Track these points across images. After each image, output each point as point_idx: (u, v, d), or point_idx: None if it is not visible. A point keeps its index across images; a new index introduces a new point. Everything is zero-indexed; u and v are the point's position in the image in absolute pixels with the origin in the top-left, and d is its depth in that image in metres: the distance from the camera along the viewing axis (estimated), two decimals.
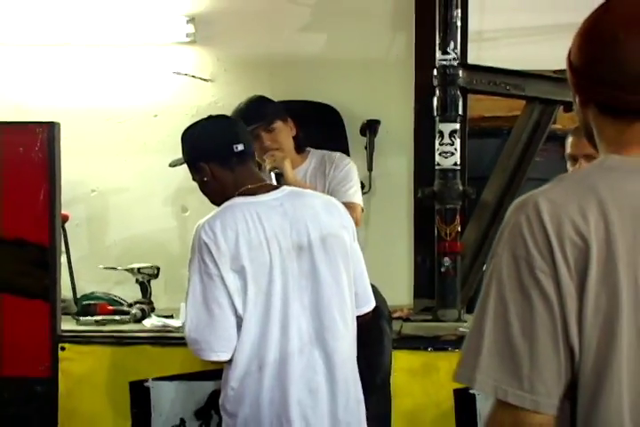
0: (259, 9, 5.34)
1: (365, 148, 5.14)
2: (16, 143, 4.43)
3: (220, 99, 5.35)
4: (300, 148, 4.53)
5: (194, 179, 3.52)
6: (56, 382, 4.38)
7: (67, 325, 4.59)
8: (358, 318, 3.50)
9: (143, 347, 4.35)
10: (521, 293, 1.72)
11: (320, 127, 4.96)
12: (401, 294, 5.02)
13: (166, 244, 5.40)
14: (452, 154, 4.66)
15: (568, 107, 4.83)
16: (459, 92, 4.69)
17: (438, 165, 4.69)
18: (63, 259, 4.77)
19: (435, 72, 4.70)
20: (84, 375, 4.40)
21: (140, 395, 4.34)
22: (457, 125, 4.68)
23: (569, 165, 3.69)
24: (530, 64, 4.99)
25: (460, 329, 4.32)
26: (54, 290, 4.45)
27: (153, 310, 4.80)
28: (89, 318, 4.69)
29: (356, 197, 4.40)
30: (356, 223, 4.31)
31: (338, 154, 4.54)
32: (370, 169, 5.15)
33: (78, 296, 4.91)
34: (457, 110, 4.68)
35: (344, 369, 3.38)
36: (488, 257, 1.82)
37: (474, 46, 5.06)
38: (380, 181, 5.20)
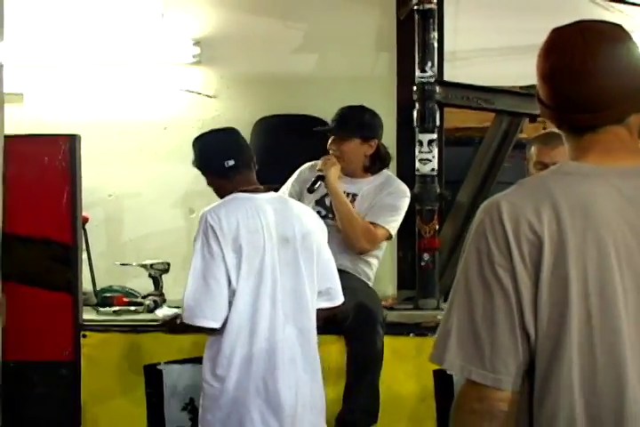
0: (257, 33, 5.36)
1: None
2: (42, 153, 4.44)
3: (223, 113, 5.37)
4: (372, 168, 4.47)
5: None
6: (79, 366, 4.39)
7: (88, 315, 4.59)
8: (330, 309, 3.67)
9: (156, 334, 4.34)
10: (483, 284, 1.77)
11: (315, 138, 4.97)
12: (386, 286, 5.04)
13: (175, 242, 5.40)
14: (430, 161, 4.66)
15: (533, 118, 4.88)
16: (436, 106, 4.70)
17: (418, 170, 4.69)
18: (84, 256, 4.79)
19: (414, 88, 4.70)
20: (104, 360, 4.42)
21: (153, 377, 4.37)
22: (434, 135, 4.68)
23: (534, 170, 3.69)
24: (499, 81, 5.03)
25: (438, 317, 4.28)
26: (76, 284, 4.46)
27: (164, 301, 4.79)
28: (107, 308, 4.70)
29: (391, 225, 4.36)
30: (370, 240, 4.31)
31: (403, 186, 4.47)
32: None
33: (98, 289, 4.90)
34: (434, 122, 4.69)
35: (312, 345, 3.54)
36: (462, 252, 1.86)
37: (449, 65, 5.05)
38: None
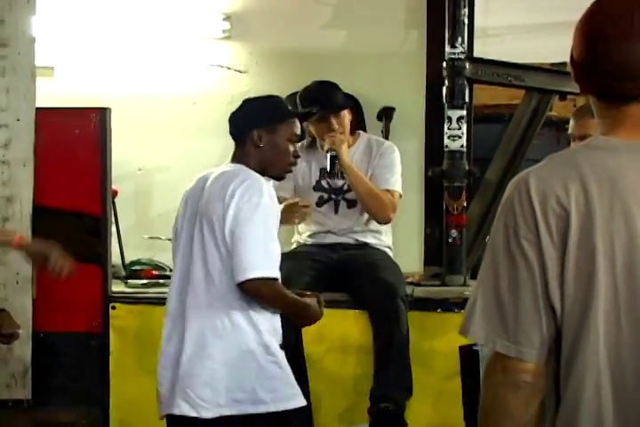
0: (287, 8, 5.30)
1: (382, 131, 5.11)
2: (73, 126, 4.45)
3: (252, 88, 5.31)
4: (353, 130, 4.56)
5: None
6: (108, 337, 4.42)
7: (117, 287, 4.61)
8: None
9: None
10: (508, 258, 1.77)
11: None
12: (413, 262, 5.00)
13: None
14: (459, 137, 4.61)
15: (563, 96, 4.83)
16: (465, 83, 4.64)
17: (447, 147, 4.65)
18: (113, 229, 4.79)
19: (444, 64, 4.65)
20: (132, 331, 4.44)
21: None
22: (464, 112, 4.63)
23: (572, 144, 3.70)
24: (529, 58, 4.95)
25: (465, 293, 4.32)
26: (106, 256, 4.48)
27: None
28: (136, 281, 4.72)
29: (397, 185, 4.46)
30: (394, 208, 4.34)
31: (387, 142, 4.59)
32: None
33: (127, 262, 4.91)
34: (464, 99, 4.63)
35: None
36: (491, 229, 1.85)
37: (479, 42, 5.00)
38: None
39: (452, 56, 4.63)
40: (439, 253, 4.77)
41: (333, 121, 4.41)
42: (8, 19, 4.43)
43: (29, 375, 4.39)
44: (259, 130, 3.30)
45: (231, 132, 3.41)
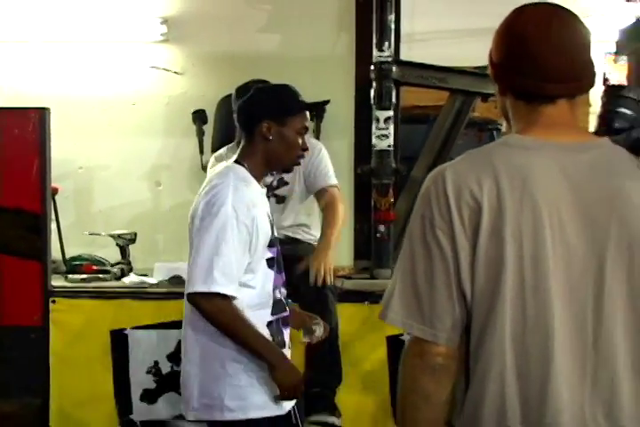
0: (223, 12, 5.33)
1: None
2: (13, 126, 4.43)
3: (189, 89, 5.35)
4: None
5: None
6: (47, 331, 4.39)
7: (57, 282, 4.59)
8: None
9: (122, 300, 4.38)
10: (424, 247, 1.81)
11: None
12: (343, 256, 5.03)
13: (142, 213, 5.41)
14: (387, 137, 4.64)
15: (485, 98, 4.89)
16: (392, 85, 4.66)
17: (375, 146, 4.67)
18: (54, 226, 4.79)
19: (372, 67, 4.68)
20: (72, 325, 4.42)
21: (119, 342, 4.36)
22: (391, 113, 4.66)
23: None
24: (453, 61, 5.01)
25: None
26: (46, 252, 4.46)
27: (131, 269, 4.81)
28: (76, 276, 4.69)
29: (334, 178, 4.35)
30: (342, 200, 4.30)
31: (312, 140, 4.45)
32: None
33: (67, 258, 4.90)
34: (391, 100, 4.66)
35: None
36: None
37: (405, 46, 5.07)
38: None
39: (380, 59, 4.66)
40: (368, 248, 4.81)
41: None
42: None
43: None
44: (268, 122, 3.08)
45: (239, 121, 3.17)
